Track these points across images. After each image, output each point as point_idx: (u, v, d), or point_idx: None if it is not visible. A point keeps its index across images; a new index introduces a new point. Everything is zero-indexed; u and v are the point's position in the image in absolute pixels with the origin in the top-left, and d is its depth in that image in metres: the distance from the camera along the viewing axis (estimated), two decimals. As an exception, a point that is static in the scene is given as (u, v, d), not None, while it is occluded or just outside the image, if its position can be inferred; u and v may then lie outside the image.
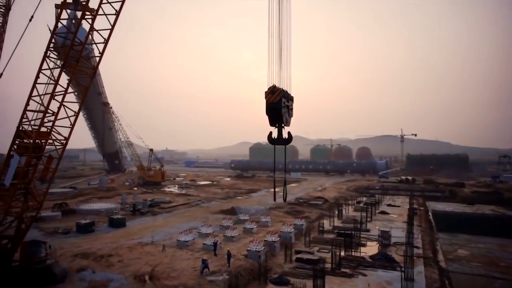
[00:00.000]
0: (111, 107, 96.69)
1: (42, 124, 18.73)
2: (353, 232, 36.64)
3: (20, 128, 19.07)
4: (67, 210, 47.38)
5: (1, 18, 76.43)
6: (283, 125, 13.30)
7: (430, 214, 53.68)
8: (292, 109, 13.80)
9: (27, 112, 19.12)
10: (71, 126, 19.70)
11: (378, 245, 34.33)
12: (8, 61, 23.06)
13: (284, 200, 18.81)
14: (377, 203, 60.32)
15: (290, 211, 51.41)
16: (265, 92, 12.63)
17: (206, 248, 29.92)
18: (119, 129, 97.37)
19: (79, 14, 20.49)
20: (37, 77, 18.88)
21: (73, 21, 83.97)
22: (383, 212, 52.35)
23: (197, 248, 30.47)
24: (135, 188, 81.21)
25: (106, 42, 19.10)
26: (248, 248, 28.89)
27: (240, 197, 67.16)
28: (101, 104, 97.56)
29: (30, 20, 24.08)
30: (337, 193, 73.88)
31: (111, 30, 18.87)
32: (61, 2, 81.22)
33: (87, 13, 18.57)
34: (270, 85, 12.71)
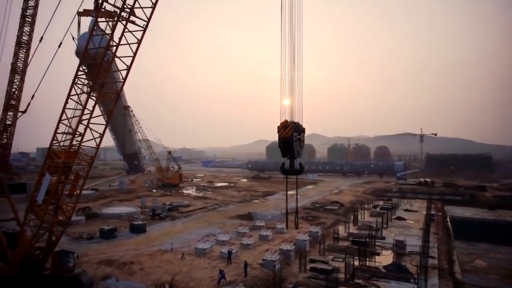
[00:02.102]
0: (131, 110, 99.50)
1: (70, 146, 20.09)
2: (368, 239, 36.93)
3: (51, 149, 20.50)
4: (90, 214, 49.45)
5: (29, 27, 79.84)
6: (294, 156, 14.05)
7: (448, 220, 53.08)
8: (303, 140, 14.52)
9: (56, 135, 20.51)
10: (96, 146, 21.02)
11: (392, 254, 34.52)
12: (39, 84, 24.60)
13: (296, 227, 19.76)
14: (394, 207, 60.04)
15: (306, 216, 51.91)
16: (278, 126, 13.39)
17: (223, 256, 30.93)
18: (138, 130, 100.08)
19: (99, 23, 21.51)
20: (66, 102, 20.24)
21: (95, 28, 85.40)
22: (399, 218, 52.10)
23: (215, 256, 31.53)
24: (154, 190, 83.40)
25: (128, 69, 20.21)
26: (264, 257, 29.75)
27: (256, 201, 68.09)
28: (122, 107, 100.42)
29: (59, 46, 25.56)
30: (353, 197, 73.77)
31: (133, 58, 19.94)
32: (83, 9, 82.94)
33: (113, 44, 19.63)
34: (282, 121, 13.46)
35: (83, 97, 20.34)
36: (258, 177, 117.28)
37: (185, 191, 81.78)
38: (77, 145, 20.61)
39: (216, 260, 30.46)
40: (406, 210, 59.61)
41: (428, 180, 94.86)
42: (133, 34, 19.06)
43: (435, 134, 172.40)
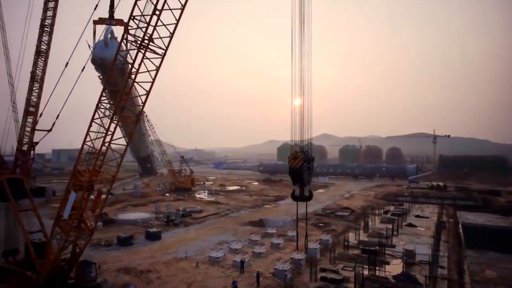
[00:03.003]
0: (146, 115, 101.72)
1: (94, 166, 21.42)
2: (378, 248, 37.45)
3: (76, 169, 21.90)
4: (107, 220, 51.15)
5: (47, 37, 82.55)
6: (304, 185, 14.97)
7: (459, 227, 53.01)
8: (312, 168, 15.45)
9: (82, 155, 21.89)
10: (117, 165, 22.33)
11: (402, 263, 34.98)
12: (64, 104, 26.03)
13: (305, 251, 20.67)
14: (405, 213, 60.19)
15: (317, 223, 52.65)
16: (288, 157, 14.35)
17: (236, 265, 32.00)
18: (152, 135, 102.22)
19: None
20: (90, 125, 21.56)
21: (109, 36, 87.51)
22: (410, 225, 52.29)
23: (228, 264, 32.62)
24: (167, 194, 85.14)
25: (147, 94, 21.37)
26: (275, 267, 30.70)
27: (268, 206, 69.10)
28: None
29: (66, 65, 26.97)
30: (364, 202, 74.02)
31: (151, 84, 21.07)
32: (99, 18, 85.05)
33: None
34: (293, 152, 14.43)
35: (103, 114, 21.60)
36: (269, 180, 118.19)
37: (197, 195, 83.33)
38: (100, 164, 21.91)
39: (229, 269, 31.55)
40: (417, 216, 59.67)
41: (441, 183, 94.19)
42: (151, 62, 20.20)
43: (448, 136, 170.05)
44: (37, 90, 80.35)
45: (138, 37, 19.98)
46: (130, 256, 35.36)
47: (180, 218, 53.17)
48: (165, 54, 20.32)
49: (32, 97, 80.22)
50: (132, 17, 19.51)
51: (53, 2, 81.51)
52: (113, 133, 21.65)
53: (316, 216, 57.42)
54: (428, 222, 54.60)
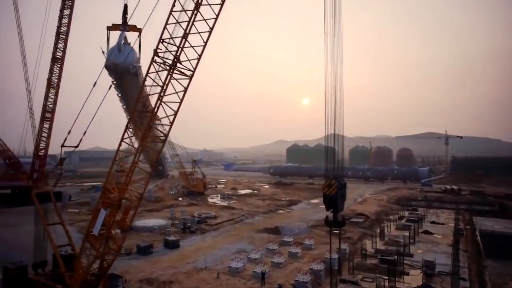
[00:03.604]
0: (160, 120, 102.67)
1: (125, 184, 21.93)
2: (396, 257, 37.33)
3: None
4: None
5: (63, 44, 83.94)
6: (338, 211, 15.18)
7: (477, 234, 52.44)
8: (345, 194, 15.65)
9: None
10: (144, 184, 22.83)
11: (422, 274, 34.83)
12: (90, 123, 26.56)
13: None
14: (420, 219, 59.82)
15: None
16: (323, 185, 14.59)
17: (256, 276, 32.26)
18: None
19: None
20: (120, 145, 22.05)
21: (123, 42, 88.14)
22: (426, 232, 51.94)
23: (248, 275, 32.89)
24: (180, 198, 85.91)
25: (175, 114, 21.73)
26: (296, 279, 30.91)
27: (281, 211, 69.25)
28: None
29: (94, 86, 27.54)
30: (378, 206, 73.71)
31: (179, 105, 21.40)
32: (112, 24, 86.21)
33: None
34: (328, 181, 14.65)
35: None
36: (280, 183, 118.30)
37: (210, 200, 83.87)
38: (127, 182, 22.41)
39: (250, 280, 31.83)
40: (432, 222, 59.22)
41: (455, 187, 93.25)
42: (179, 82, 20.54)
43: (461, 137, 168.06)
44: (53, 96, 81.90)
45: (167, 58, 20.32)
46: (151, 266, 35.88)
47: (195, 224, 53.65)
48: (193, 75, 20.65)
49: (48, 103, 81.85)
50: (161, 40, 19.83)
51: (69, 10, 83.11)
52: (140, 152, 22.10)
53: (331, 222, 57.34)
54: (444, 229, 54.15)
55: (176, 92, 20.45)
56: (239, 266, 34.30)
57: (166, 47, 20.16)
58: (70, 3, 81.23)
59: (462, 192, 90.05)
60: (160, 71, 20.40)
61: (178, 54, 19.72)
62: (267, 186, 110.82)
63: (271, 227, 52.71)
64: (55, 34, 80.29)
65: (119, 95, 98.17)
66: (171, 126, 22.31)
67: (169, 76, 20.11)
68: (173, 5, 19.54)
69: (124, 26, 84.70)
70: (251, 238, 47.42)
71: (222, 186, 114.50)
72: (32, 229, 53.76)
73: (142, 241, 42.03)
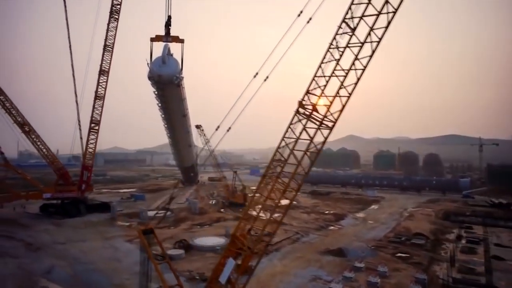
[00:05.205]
0: (202, 130, 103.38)
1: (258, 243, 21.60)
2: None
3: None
4: (186, 246, 51.64)
5: (109, 56, 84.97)
6: None
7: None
8: None
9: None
10: (273, 232, 22.37)
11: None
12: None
13: None
14: (482, 240, 57.97)
15: (395, 252, 51.40)
16: None
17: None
18: (207, 148, 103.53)
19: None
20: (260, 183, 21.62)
21: (166, 53, 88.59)
22: (496, 257, 49.99)
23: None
24: (222, 210, 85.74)
25: (329, 131, 21.12)
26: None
27: (332, 227, 68.25)
28: (188, 125, 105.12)
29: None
30: (429, 223, 71.77)
31: (319, 152, 20.85)
32: (155, 35, 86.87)
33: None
34: None
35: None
36: (315, 192, 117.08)
37: (254, 213, 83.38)
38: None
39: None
40: (497, 245, 57.15)
41: (503, 201, 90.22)
42: (321, 133, 19.97)
43: (497, 144, 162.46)
44: (99, 108, 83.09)
45: (308, 109, 19.76)
46: (235, 296, 35.46)
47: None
48: (333, 126, 20.04)
49: (95, 115, 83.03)
50: (307, 92, 19.27)
51: (115, 23, 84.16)
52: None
53: (391, 243, 56.12)
54: (515, 254, 52.02)
55: (315, 146, 19.84)
56: (328, 299, 33.61)
57: (308, 98, 19.62)
58: (116, 16, 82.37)
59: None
60: (318, 127, 19.74)
61: (331, 105, 19.12)
62: (304, 196, 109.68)
63: (333, 248, 51.82)
64: (102, 47, 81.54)
65: (159, 104, 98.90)
66: (305, 175, 21.69)
67: (314, 129, 19.53)
68: (330, 44, 18.81)
69: (167, 37, 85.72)
70: (318, 262, 46.62)
71: (258, 195, 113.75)
72: (96, 246, 54.59)
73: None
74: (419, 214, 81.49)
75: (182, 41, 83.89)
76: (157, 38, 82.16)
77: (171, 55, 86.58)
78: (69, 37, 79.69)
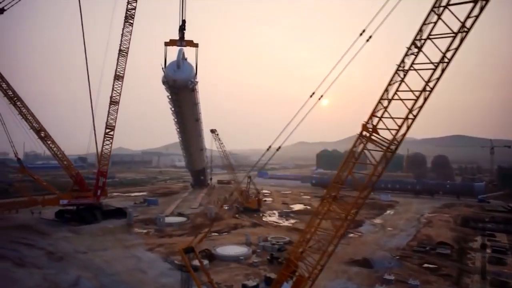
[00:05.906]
0: (217, 134, 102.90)
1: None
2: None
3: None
4: (209, 256, 50.96)
5: (124, 61, 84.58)
6: None
7: None
8: None
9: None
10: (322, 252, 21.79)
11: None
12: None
13: None
14: (508, 249, 56.97)
15: (422, 262, 50.51)
16: None
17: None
18: (222, 153, 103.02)
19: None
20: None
21: (181, 58, 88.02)
22: (527, 269, 49.06)
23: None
24: (237, 215, 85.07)
25: (391, 155, 20.44)
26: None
27: (352, 234, 67.37)
28: (200, 129, 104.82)
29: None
30: (449, 230, 70.80)
31: (378, 177, 20.15)
32: (170, 40, 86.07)
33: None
34: None
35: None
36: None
37: (269, 218, 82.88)
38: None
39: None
40: (524, 254, 56.10)
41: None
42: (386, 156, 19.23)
43: (509, 147, 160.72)
44: (114, 114, 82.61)
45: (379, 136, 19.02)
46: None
47: (278, 253, 52.54)
48: (397, 149, 19.29)
49: (110, 120, 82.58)
50: (373, 114, 18.54)
51: (130, 27, 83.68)
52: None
53: (415, 252, 55.23)
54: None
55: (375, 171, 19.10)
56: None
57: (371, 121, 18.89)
58: (131, 21, 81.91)
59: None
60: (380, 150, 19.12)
61: (398, 132, 18.38)
62: (317, 200, 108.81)
63: (358, 258, 51.04)
64: (118, 52, 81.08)
65: (172, 109, 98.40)
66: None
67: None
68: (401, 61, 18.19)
69: (181, 41, 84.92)
70: (345, 273, 45.83)
71: (271, 199, 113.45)
72: (118, 255, 54.07)
73: (246, 278, 41.19)
74: (437, 220, 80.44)
75: (196, 45, 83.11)
76: (171, 43, 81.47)
77: (185, 59, 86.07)
78: (84, 42, 79.06)
